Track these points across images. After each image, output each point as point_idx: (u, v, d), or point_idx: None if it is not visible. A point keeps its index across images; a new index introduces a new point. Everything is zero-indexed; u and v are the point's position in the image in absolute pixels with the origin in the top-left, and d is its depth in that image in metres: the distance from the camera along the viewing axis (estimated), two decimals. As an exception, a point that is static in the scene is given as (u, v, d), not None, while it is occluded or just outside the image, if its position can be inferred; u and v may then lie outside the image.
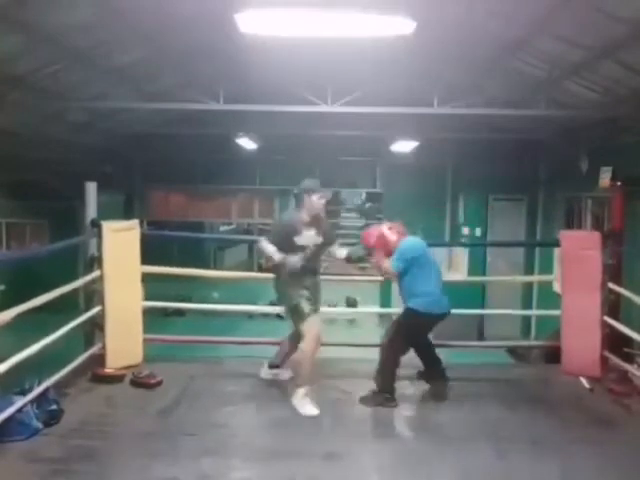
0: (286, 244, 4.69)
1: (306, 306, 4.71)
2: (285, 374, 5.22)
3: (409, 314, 4.92)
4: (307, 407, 4.62)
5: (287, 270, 4.69)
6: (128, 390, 5.05)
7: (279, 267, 4.76)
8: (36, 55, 6.65)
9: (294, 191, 5.03)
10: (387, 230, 5.14)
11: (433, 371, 5.16)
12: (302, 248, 4.75)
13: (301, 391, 4.66)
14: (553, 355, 5.90)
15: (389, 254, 5.03)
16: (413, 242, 5.11)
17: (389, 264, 4.99)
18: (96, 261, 5.33)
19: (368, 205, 19.56)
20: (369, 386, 5.19)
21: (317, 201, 4.80)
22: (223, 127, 11.06)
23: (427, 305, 4.85)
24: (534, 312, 10.84)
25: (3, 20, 5.61)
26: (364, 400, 4.87)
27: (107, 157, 12.11)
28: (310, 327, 4.66)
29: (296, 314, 4.73)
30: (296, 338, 4.92)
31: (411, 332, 4.96)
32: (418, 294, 4.87)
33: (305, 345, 4.66)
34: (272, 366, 5.27)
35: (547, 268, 10.29)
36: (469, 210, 13.08)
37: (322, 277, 5.16)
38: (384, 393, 4.83)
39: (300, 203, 4.81)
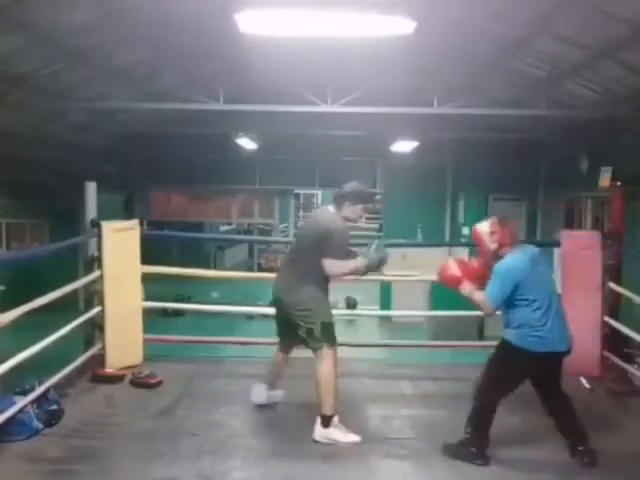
0: (344, 253, 4.15)
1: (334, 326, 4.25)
2: (278, 395, 4.71)
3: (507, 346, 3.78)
4: (349, 436, 4.08)
5: (376, 267, 4.26)
6: (128, 390, 5.04)
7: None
8: (36, 55, 6.66)
9: (340, 192, 4.25)
10: (486, 232, 3.77)
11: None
12: (354, 255, 4.24)
13: (334, 420, 4.10)
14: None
15: (482, 274, 3.81)
16: (518, 260, 3.65)
17: (481, 295, 3.67)
18: (96, 261, 5.32)
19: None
20: (368, 386, 5.19)
21: (360, 212, 4.26)
22: (223, 127, 11.09)
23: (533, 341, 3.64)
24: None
25: (3, 20, 5.62)
26: (447, 449, 3.91)
27: (107, 157, 12.12)
28: (332, 348, 4.16)
29: (324, 332, 4.14)
30: (285, 352, 4.58)
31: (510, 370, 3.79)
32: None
33: (328, 367, 4.11)
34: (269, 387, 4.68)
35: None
36: (469, 210, 13.09)
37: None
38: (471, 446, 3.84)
39: (341, 208, 4.18)
